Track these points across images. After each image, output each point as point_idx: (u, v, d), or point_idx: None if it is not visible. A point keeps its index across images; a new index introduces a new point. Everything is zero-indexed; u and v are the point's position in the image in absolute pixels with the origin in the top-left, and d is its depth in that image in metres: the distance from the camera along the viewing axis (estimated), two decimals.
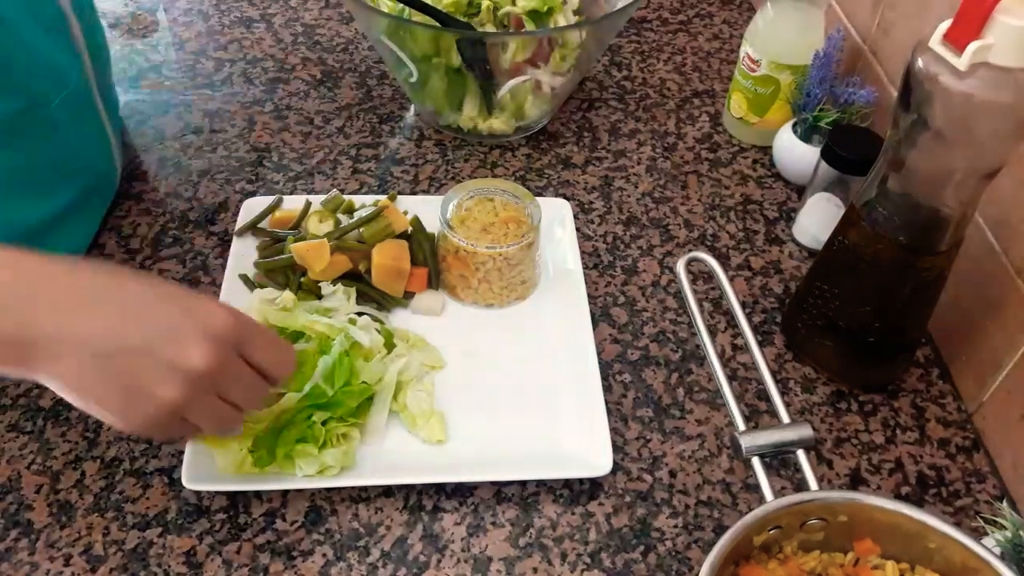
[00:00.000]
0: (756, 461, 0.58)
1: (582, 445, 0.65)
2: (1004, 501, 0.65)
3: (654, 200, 0.89)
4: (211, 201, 0.85)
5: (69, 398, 0.50)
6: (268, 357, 0.54)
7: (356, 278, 0.74)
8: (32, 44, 0.65)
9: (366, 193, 0.86)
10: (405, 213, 0.77)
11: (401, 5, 0.85)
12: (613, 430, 0.68)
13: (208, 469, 0.62)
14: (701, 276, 0.81)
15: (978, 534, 0.60)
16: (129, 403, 0.49)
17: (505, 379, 0.71)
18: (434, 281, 0.77)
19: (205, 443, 0.62)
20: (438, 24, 0.86)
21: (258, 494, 0.63)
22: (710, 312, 0.79)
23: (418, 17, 0.87)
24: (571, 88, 0.94)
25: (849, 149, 0.76)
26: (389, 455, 0.65)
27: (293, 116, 0.95)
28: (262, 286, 0.74)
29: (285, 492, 0.64)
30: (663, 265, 0.82)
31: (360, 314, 0.72)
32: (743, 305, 0.77)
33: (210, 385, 0.51)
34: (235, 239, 0.78)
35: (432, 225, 0.78)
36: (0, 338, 0.46)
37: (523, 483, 0.65)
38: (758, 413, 0.71)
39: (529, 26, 0.88)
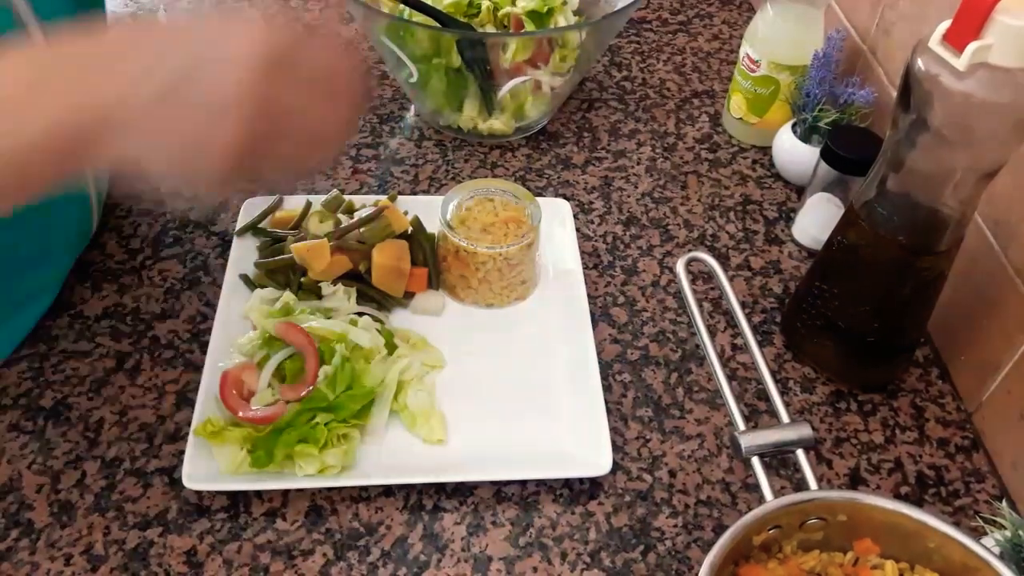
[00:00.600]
0: (756, 461, 0.58)
1: (582, 445, 0.65)
2: (1003, 501, 0.65)
3: (654, 200, 0.89)
4: (211, 201, 0.85)
5: (143, 164, 0.45)
6: (326, 59, 0.48)
7: (356, 278, 0.74)
8: None
9: (366, 193, 0.86)
10: (405, 213, 0.77)
11: (401, 5, 0.85)
12: (613, 430, 0.68)
13: (208, 469, 0.62)
14: (701, 276, 0.81)
15: (977, 534, 0.60)
16: (201, 134, 0.43)
17: (505, 379, 0.71)
18: (434, 281, 0.77)
19: (205, 440, 0.62)
20: (438, 24, 0.86)
21: (259, 494, 0.64)
22: (710, 312, 0.79)
23: (418, 17, 0.87)
24: (571, 88, 0.94)
25: (848, 149, 0.76)
26: (389, 455, 0.65)
27: None
28: (262, 286, 0.74)
29: (286, 492, 0.64)
30: (663, 265, 0.83)
31: (360, 314, 0.72)
32: (743, 305, 0.77)
33: (270, 95, 0.43)
34: (235, 239, 0.78)
35: (432, 225, 0.78)
36: (54, 125, 0.42)
37: (523, 483, 0.65)
38: (758, 413, 0.71)
39: (529, 27, 0.88)
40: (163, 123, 0.43)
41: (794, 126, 0.88)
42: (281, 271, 0.75)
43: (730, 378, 0.70)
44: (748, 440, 0.58)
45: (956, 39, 0.53)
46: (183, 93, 0.42)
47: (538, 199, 0.77)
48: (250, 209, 0.80)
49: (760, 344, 0.65)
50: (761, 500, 0.55)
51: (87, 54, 0.43)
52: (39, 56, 0.43)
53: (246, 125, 0.43)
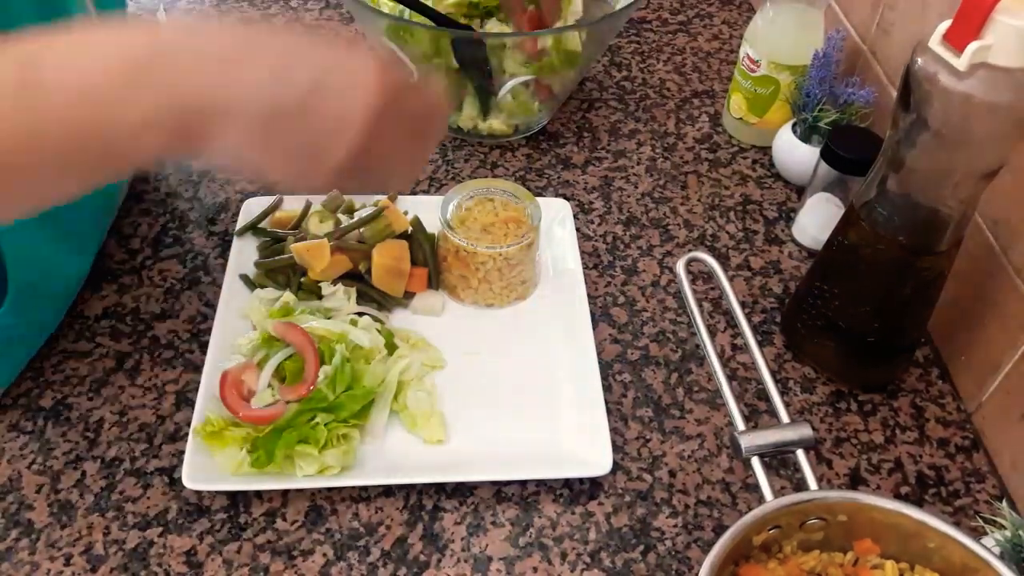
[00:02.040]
0: (756, 461, 0.58)
1: (582, 445, 0.65)
2: (1003, 501, 0.65)
3: (654, 200, 0.89)
4: (211, 201, 0.85)
5: (243, 170, 0.46)
6: (421, 99, 0.50)
7: (356, 278, 0.75)
8: None
9: (366, 193, 0.86)
10: (405, 213, 0.77)
11: (401, 6, 0.85)
12: (613, 430, 0.68)
13: (208, 469, 0.62)
14: (701, 276, 0.81)
15: (977, 534, 0.60)
16: (303, 167, 0.46)
17: (505, 379, 0.71)
18: (434, 281, 0.77)
19: (205, 441, 0.62)
20: (442, 25, 0.86)
21: (258, 494, 0.64)
22: (710, 312, 0.79)
23: (417, 18, 0.87)
24: (571, 88, 0.94)
25: (848, 149, 0.76)
26: (389, 455, 0.65)
27: None
28: (262, 286, 0.74)
29: (285, 492, 0.64)
30: (663, 265, 0.83)
31: (360, 314, 0.72)
32: (743, 305, 0.77)
33: (382, 127, 0.45)
34: (235, 239, 0.78)
35: (432, 225, 0.78)
36: (154, 109, 0.42)
37: (523, 483, 0.65)
38: (758, 413, 0.71)
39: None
40: (279, 130, 0.43)
41: (794, 126, 0.88)
42: (281, 271, 0.75)
43: (730, 378, 0.70)
44: (748, 440, 0.58)
45: (956, 39, 0.53)
46: (307, 106, 0.43)
47: (538, 199, 0.77)
48: (250, 209, 0.80)
49: (760, 344, 0.64)
50: (761, 500, 0.55)
51: (218, 45, 0.43)
52: (157, 39, 0.43)
53: (357, 148, 0.44)
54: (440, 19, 0.87)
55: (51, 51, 0.42)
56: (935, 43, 0.55)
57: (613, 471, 0.65)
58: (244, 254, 0.77)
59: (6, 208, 0.47)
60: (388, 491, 0.64)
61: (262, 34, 0.45)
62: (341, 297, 0.72)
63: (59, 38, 0.42)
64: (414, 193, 0.87)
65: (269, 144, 0.44)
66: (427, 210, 0.78)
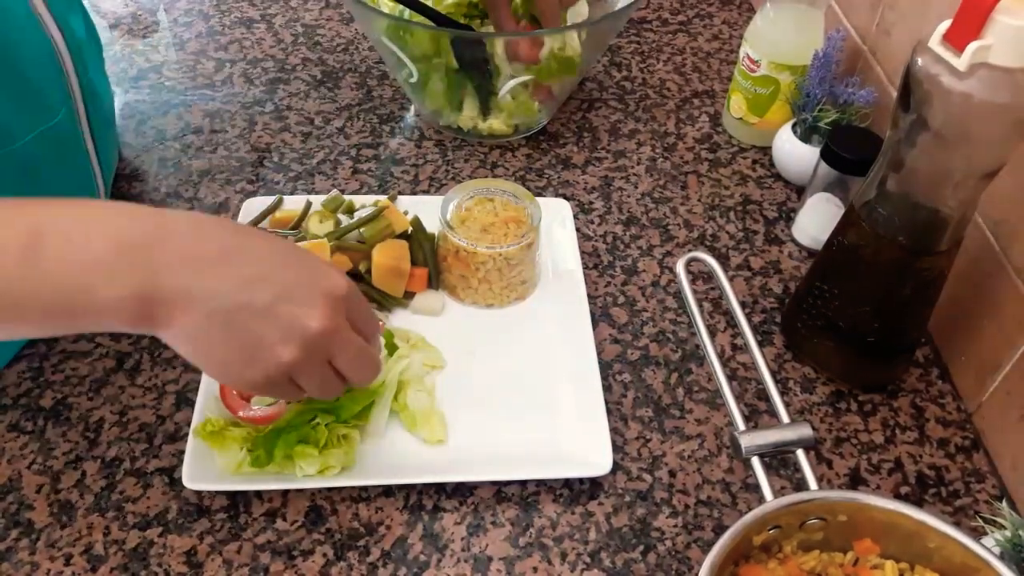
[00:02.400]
0: (756, 461, 0.58)
1: (582, 445, 0.65)
2: (1003, 501, 0.65)
3: (654, 200, 0.89)
4: (212, 201, 0.85)
5: (190, 355, 0.50)
6: (365, 322, 0.55)
7: (356, 278, 0.74)
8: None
9: (366, 193, 0.86)
10: (405, 213, 0.77)
11: (401, 6, 0.85)
12: (613, 430, 0.68)
13: (208, 469, 0.62)
14: (701, 276, 0.81)
15: (977, 534, 0.60)
16: (249, 360, 0.50)
17: (505, 379, 0.71)
18: (434, 281, 0.77)
19: (205, 441, 0.62)
20: (442, 25, 0.86)
21: (258, 494, 0.64)
22: (710, 312, 0.79)
23: (417, 18, 0.87)
24: (571, 88, 0.94)
25: (848, 149, 0.77)
26: (389, 455, 0.65)
27: (293, 116, 0.95)
28: None
29: (285, 492, 0.64)
30: (663, 265, 0.83)
31: None
32: (743, 305, 0.77)
33: (325, 347, 0.51)
34: None
35: (432, 225, 0.78)
36: (129, 293, 0.46)
37: (523, 483, 0.65)
38: (758, 413, 0.71)
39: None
40: (232, 327, 0.48)
41: (794, 126, 0.88)
42: None
43: (730, 378, 0.70)
44: (748, 440, 0.58)
45: (956, 39, 0.53)
46: (257, 319, 0.48)
47: (538, 199, 0.77)
48: (250, 209, 0.80)
49: (760, 344, 0.65)
50: (761, 500, 0.55)
51: (184, 254, 0.48)
52: (132, 235, 0.47)
53: (293, 364, 0.50)
54: (440, 19, 0.87)
55: (58, 222, 0.46)
56: (935, 43, 0.55)
57: (613, 471, 0.65)
58: None
59: None
60: (388, 491, 0.64)
61: (246, 242, 0.50)
62: None
63: (68, 210, 0.47)
64: (414, 193, 0.87)
65: (219, 336, 0.48)
66: (427, 210, 0.78)
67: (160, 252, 0.47)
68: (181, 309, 0.47)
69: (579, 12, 0.91)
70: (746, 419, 0.61)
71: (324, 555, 0.61)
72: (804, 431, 0.58)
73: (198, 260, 0.48)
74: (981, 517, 0.64)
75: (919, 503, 0.66)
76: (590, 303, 0.76)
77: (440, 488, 0.65)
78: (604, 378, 0.71)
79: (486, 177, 0.89)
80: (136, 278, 0.46)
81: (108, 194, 0.80)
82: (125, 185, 0.86)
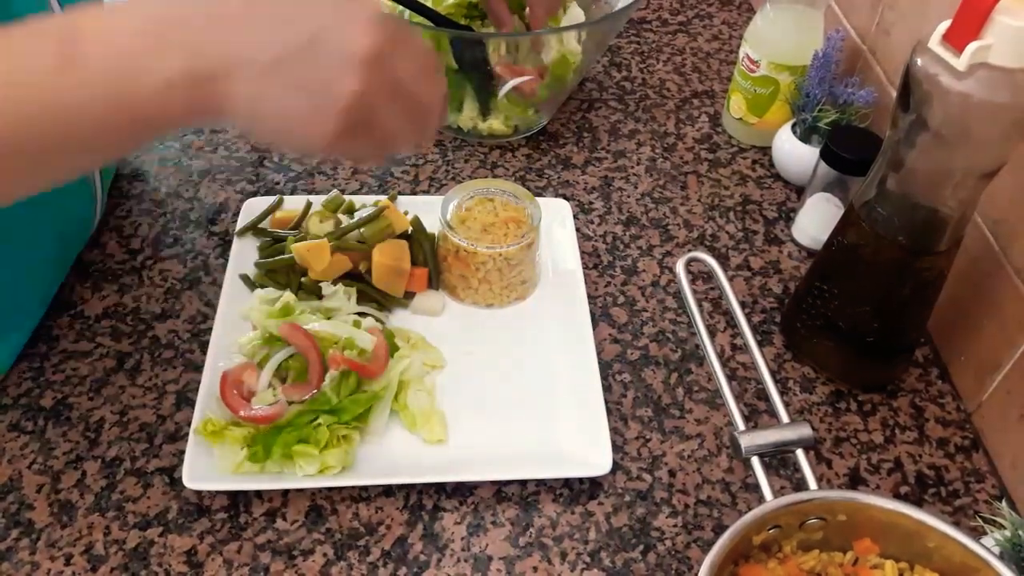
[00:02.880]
0: (755, 460, 0.58)
1: (582, 445, 0.65)
2: (1003, 501, 0.65)
3: (654, 200, 0.89)
4: (212, 201, 0.85)
5: (266, 131, 0.48)
6: (419, 48, 0.51)
7: (356, 278, 0.75)
8: None
9: (366, 193, 0.87)
10: (405, 213, 0.77)
11: (400, 6, 0.85)
12: (613, 430, 0.68)
13: (209, 468, 0.62)
14: (701, 276, 0.81)
15: (977, 533, 0.60)
16: (315, 107, 0.46)
17: (505, 379, 0.71)
18: (434, 281, 0.77)
19: (206, 441, 0.62)
20: (442, 25, 0.86)
21: (259, 493, 0.64)
22: (709, 312, 0.79)
23: (417, 19, 0.87)
24: (571, 89, 0.94)
25: (848, 149, 0.77)
26: (389, 455, 0.65)
27: None
28: (263, 286, 0.74)
29: (286, 492, 0.64)
30: (663, 265, 0.83)
31: (362, 315, 0.72)
32: (742, 305, 0.77)
33: (387, 62, 0.46)
34: (236, 239, 0.78)
35: (432, 225, 0.78)
36: (175, 73, 0.44)
37: (523, 483, 0.65)
38: (757, 413, 0.71)
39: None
40: (286, 75, 0.45)
41: (794, 126, 0.88)
42: (281, 271, 0.75)
43: (730, 378, 0.70)
44: (748, 440, 0.58)
45: (956, 39, 0.53)
46: (307, 58, 0.45)
47: (538, 199, 0.77)
48: (250, 209, 0.80)
49: (760, 344, 0.65)
50: (761, 500, 0.55)
51: (210, 14, 0.45)
52: (160, 11, 0.45)
53: (361, 93, 0.45)
54: (439, 20, 0.87)
55: (85, 23, 0.44)
56: (935, 43, 0.55)
57: (613, 471, 0.65)
58: (244, 254, 0.77)
59: (26, 184, 0.48)
60: (388, 491, 0.65)
61: (257, 2, 0.46)
62: (341, 297, 0.72)
63: (91, 12, 0.44)
64: (414, 193, 0.87)
65: (278, 90, 0.45)
66: (427, 210, 0.78)
67: (190, 24, 0.45)
68: (231, 75, 0.44)
69: (574, 16, 0.91)
70: (746, 419, 0.61)
71: (324, 555, 0.61)
72: (804, 431, 0.58)
73: (225, 20, 0.45)
74: (981, 517, 0.64)
75: (919, 503, 0.66)
76: (590, 303, 0.76)
77: (440, 488, 0.65)
78: (604, 378, 0.71)
79: (486, 177, 0.89)
80: (177, 55, 0.44)
81: (105, 189, 0.80)
82: (125, 185, 0.86)
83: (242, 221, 0.79)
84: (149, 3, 0.46)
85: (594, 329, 0.74)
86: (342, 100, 0.46)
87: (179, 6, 0.45)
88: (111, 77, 0.43)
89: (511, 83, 0.87)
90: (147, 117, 0.45)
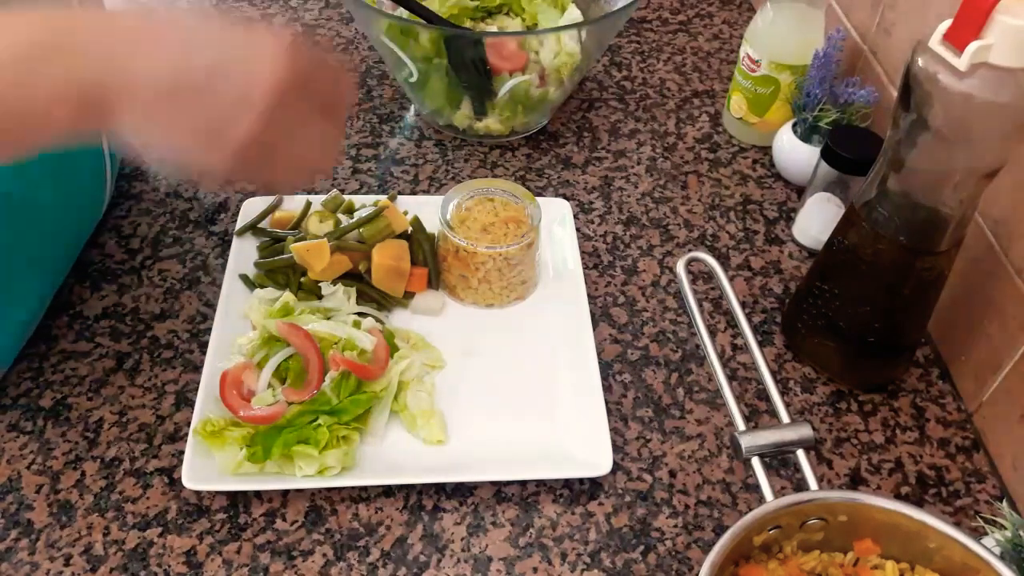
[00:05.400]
0: (756, 461, 0.58)
1: (582, 445, 0.65)
2: (1004, 501, 0.65)
3: (654, 200, 0.89)
4: (211, 201, 0.85)
5: (157, 146, 0.48)
6: (325, 78, 0.50)
7: (356, 278, 0.74)
8: None
9: (366, 193, 0.86)
10: (405, 213, 0.77)
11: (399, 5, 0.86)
12: (613, 430, 0.68)
13: (208, 469, 0.62)
14: (701, 276, 0.81)
15: (978, 534, 0.60)
16: (208, 143, 0.46)
17: (505, 379, 0.71)
18: (434, 281, 0.77)
19: (205, 441, 0.62)
20: (439, 24, 0.86)
21: (258, 494, 0.64)
22: (710, 312, 0.79)
23: (417, 19, 0.87)
24: (571, 88, 0.94)
25: (849, 149, 0.76)
26: (389, 455, 0.65)
27: None
28: (262, 286, 0.74)
29: (285, 492, 0.64)
30: (663, 265, 0.82)
31: (362, 315, 0.72)
32: (743, 305, 0.77)
33: (290, 102, 0.46)
34: (235, 239, 0.78)
35: (432, 225, 0.78)
36: (64, 81, 0.44)
37: (523, 483, 0.65)
38: (758, 413, 0.71)
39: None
40: (181, 106, 0.44)
41: (794, 126, 0.88)
42: (281, 271, 0.74)
43: (730, 378, 0.70)
44: (748, 440, 0.58)
45: (956, 39, 0.53)
46: (208, 83, 0.44)
47: (538, 199, 0.77)
48: (250, 209, 0.80)
49: (760, 344, 0.64)
50: (761, 500, 0.55)
51: (123, 27, 0.46)
52: (60, 22, 0.45)
53: (259, 125, 0.45)
54: (434, 19, 0.86)
55: None
56: (935, 43, 0.55)
57: (613, 471, 0.65)
58: (244, 254, 0.77)
59: None
60: (388, 491, 0.64)
61: (168, 17, 0.47)
62: (341, 297, 0.72)
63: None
64: (414, 193, 0.87)
65: (171, 120, 0.45)
66: (427, 210, 0.78)
67: (85, 36, 0.45)
68: (126, 94, 0.44)
69: (572, 16, 0.91)
70: (746, 419, 0.61)
71: (324, 555, 0.61)
72: (804, 431, 0.58)
73: (123, 36, 0.45)
74: (981, 517, 0.64)
75: (919, 503, 0.66)
76: (590, 303, 0.76)
77: (440, 488, 0.65)
78: (604, 378, 0.71)
79: (486, 177, 0.89)
80: (72, 67, 0.44)
81: (114, 175, 0.80)
82: (125, 185, 0.86)
83: (241, 221, 0.79)
84: (56, 12, 0.45)
85: (594, 329, 0.74)
86: (236, 141, 0.45)
87: (82, 18, 0.45)
88: (2, 88, 0.43)
89: (511, 82, 0.86)
90: (40, 123, 0.45)
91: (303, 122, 0.48)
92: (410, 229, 0.77)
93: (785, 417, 0.60)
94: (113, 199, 0.84)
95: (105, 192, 0.79)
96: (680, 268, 0.67)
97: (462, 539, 0.62)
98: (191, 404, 0.66)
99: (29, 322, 0.71)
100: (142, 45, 0.45)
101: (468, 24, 0.91)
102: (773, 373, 0.70)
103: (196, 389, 0.66)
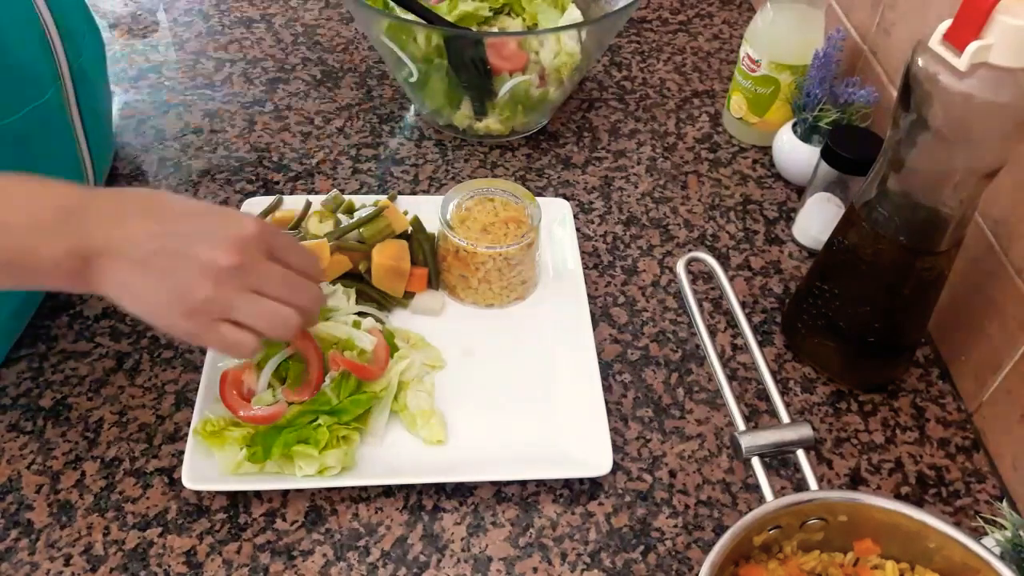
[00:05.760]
0: (756, 461, 0.58)
1: (582, 445, 0.65)
2: (1004, 501, 0.65)
3: (654, 200, 0.89)
4: (212, 201, 0.85)
5: (128, 305, 0.55)
6: (299, 260, 0.59)
7: (356, 278, 0.74)
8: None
9: (366, 193, 0.86)
10: (405, 213, 0.77)
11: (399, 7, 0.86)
12: (613, 430, 0.68)
13: (208, 469, 0.62)
14: (701, 276, 0.81)
15: (978, 534, 0.60)
16: (176, 300, 0.54)
17: (505, 379, 0.71)
18: (434, 281, 0.77)
19: (205, 441, 0.62)
20: (439, 24, 0.86)
21: (258, 494, 0.64)
22: (710, 312, 0.79)
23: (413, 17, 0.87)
24: (571, 89, 0.94)
25: (849, 149, 0.76)
26: (389, 455, 0.65)
27: (293, 116, 0.95)
28: None
29: (285, 492, 0.64)
30: (663, 265, 0.82)
31: (362, 315, 0.72)
32: (743, 305, 0.77)
33: (240, 280, 0.54)
34: None
35: (432, 225, 0.78)
36: (64, 252, 0.52)
37: (523, 483, 0.65)
38: (758, 413, 0.71)
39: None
40: (156, 269, 0.53)
41: (794, 126, 0.88)
42: None
43: (730, 378, 0.70)
44: (748, 440, 0.58)
45: (956, 39, 0.53)
46: (173, 261, 0.53)
47: (538, 199, 0.77)
48: (250, 209, 0.80)
49: (760, 344, 0.64)
50: (761, 500, 0.55)
51: (120, 204, 0.55)
52: (63, 201, 0.54)
53: (212, 298, 0.53)
54: (435, 20, 0.86)
55: (3, 191, 0.53)
56: (935, 43, 0.55)
57: (613, 471, 0.65)
58: None
59: None
60: (388, 491, 0.64)
61: (163, 201, 0.56)
62: (341, 297, 0.72)
63: (10, 181, 0.53)
64: (414, 193, 0.87)
65: (142, 282, 0.53)
66: (427, 210, 0.78)
67: (88, 214, 0.53)
68: (108, 260, 0.53)
69: (572, 16, 0.91)
70: (746, 419, 0.61)
71: (324, 555, 0.61)
72: (804, 431, 0.58)
73: (120, 216, 0.54)
74: (981, 517, 0.64)
75: (919, 503, 0.66)
76: (590, 303, 0.76)
77: (440, 488, 0.65)
78: (604, 378, 0.71)
79: (486, 177, 0.89)
80: (71, 237, 0.52)
81: (100, 175, 0.80)
82: (126, 185, 0.86)
83: None
84: (61, 189, 0.55)
85: (594, 329, 0.74)
86: (192, 303, 0.53)
87: (83, 201, 0.54)
88: (10, 244, 0.52)
89: (511, 82, 0.86)
90: (36, 277, 0.54)
91: (259, 293, 0.55)
92: (410, 229, 0.77)
93: (785, 417, 0.60)
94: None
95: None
96: (680, 268, 0.67)
97: (462, 539, 0.62)
98: (191, 404, 0.66)
99: (21, 313, 0.72)
100: (133, 218, 0.54)
101: (473, 26, 0.91)
102: (773, 373, 0.70)
103: (196, 389, 0.66)
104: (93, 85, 0.78)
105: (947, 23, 0.54)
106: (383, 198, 0.80)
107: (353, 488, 0.64)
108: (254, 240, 0.55)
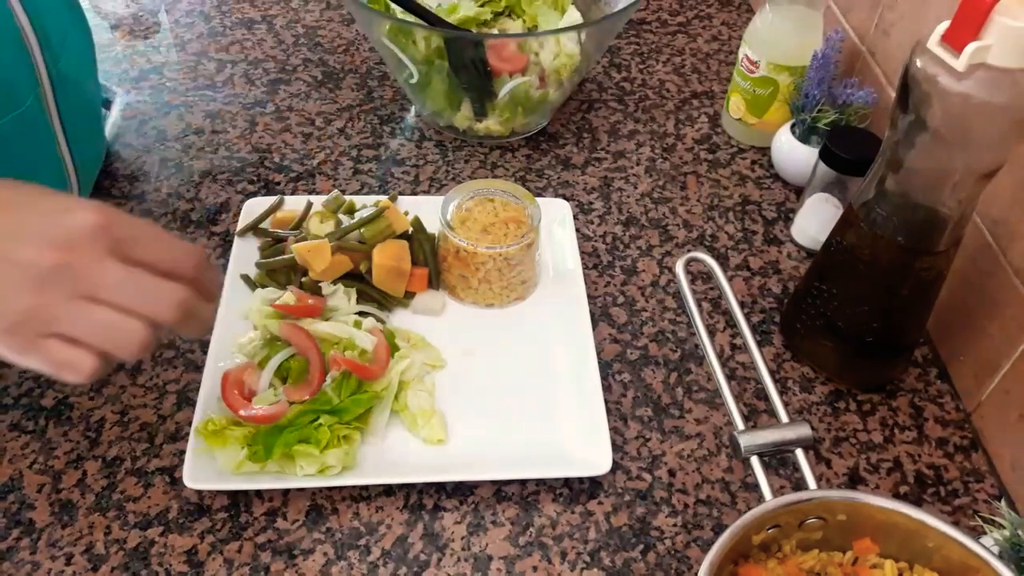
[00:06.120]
0: (755, 460, 0.58)
1: (582, 444, 0.66)
2: (1002, 500, 0.65)
3: (653, 200, 0.89)
4: (212, 202, 0.85)
5: None
6: (158, 255, 0.47)
7: (357, 278, 0.75)
8: None
9: (367, 194, 0.87)
10: (406, 213, 0.77)
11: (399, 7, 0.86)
12: (613, 429, 0.68)
13: (209, 468, 0.62)
14: (700, 276, 0.81)
15: (976, 533, 0.60)
16: None
17: (505, 379, 0.71)
18: (434, 281, 0.77)
19: (206, 441, 0.62)
20: (439, 26, 0.86)
21: (259, 493, 0.64)
22: (709, 312, 0.79)
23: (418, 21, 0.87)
24: (570, 90, 0.94)
25: (847, 150, 0.77)
26: (390, 454, 0.65)
27: (294, 117, 0.96)
28: (263, 286, 0.74)
29: (286, 491, 0.64)
30: (662, 265, 0.83)
31: (363, 315, 0.72)
32: (742, 305, 0.77)
33: (69, 286, 0.44)
34: (236, 239, 0.78)
35: (433, 225, 0.78)
36: None
37: (523, 482, 0.65)
38: (757, 412, 0.71)
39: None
40: None
41: (793, 127, 0.88)
42: (282, 271, 0.75)
43: (729, 378, 0.70)
44: (747, 440, 0.58)
45: (955, 40, 0.54)
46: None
47: (538, 199, 0.78)
48: (251, 209, 0.80)
49: (759, 344, 0.65)
50: (760, 499, 0.55)
51: None
52: None
53: (35, 307, 0.44)
54: (435, 22, 0.87)
55: None
56: (934, 44, 0.55)
57: (613, 470, 0.65)
58: (245, 254, 0.77)
59: None
60: (388, 490, 0.65)
61: None
62: (341, 297, 0.72)
63: None
64: (414, 193, 0.87)
65: None
66: (427, 210, 0.78)
67: None
68: None
69: (572, 18, 0.92)
70: (745, 419, 0.61)
71: (325, 554, 0.61)
72: (803, 431, 0.58)
73: None
74: (980, 516, 0.64)
75: (918, 502, 0.66)
76: (590, 303, 0.76)
77: (440, 488, 0.65)
78: (604, 378, 0.71)
79: (486, 177, 0.89)
80: None
81: (87, 189, 0.79)
82: (127, 185, 0.86)
83: (243, 221, 0.79)
84: None
85: (594, 329, 0.74)
86: (9, 316, 0.44)
87: None
88: None
89: (511, 83, 0.87)
90: None
91: (96, 298, 0.45)
92: (411, 229, 0.77)
93: (784, 416, 0.60)
94: (115, 199, 0.84)
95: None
96: (679, 268, 0.67)
97: (462, 538, 0.62)
98: (192, 404, 0.67)
99: None
100: None
101: (474, 28, 0.92)
102: (772, 373, 0.70)
103: (197, 389, 0.66)
104: (77, 86, 0.77)
105: (945, 24, 0.54)
106: (384, 199, 0.81)
107: (354, 487, 0.64)
108: (90, 234, 0.44)
